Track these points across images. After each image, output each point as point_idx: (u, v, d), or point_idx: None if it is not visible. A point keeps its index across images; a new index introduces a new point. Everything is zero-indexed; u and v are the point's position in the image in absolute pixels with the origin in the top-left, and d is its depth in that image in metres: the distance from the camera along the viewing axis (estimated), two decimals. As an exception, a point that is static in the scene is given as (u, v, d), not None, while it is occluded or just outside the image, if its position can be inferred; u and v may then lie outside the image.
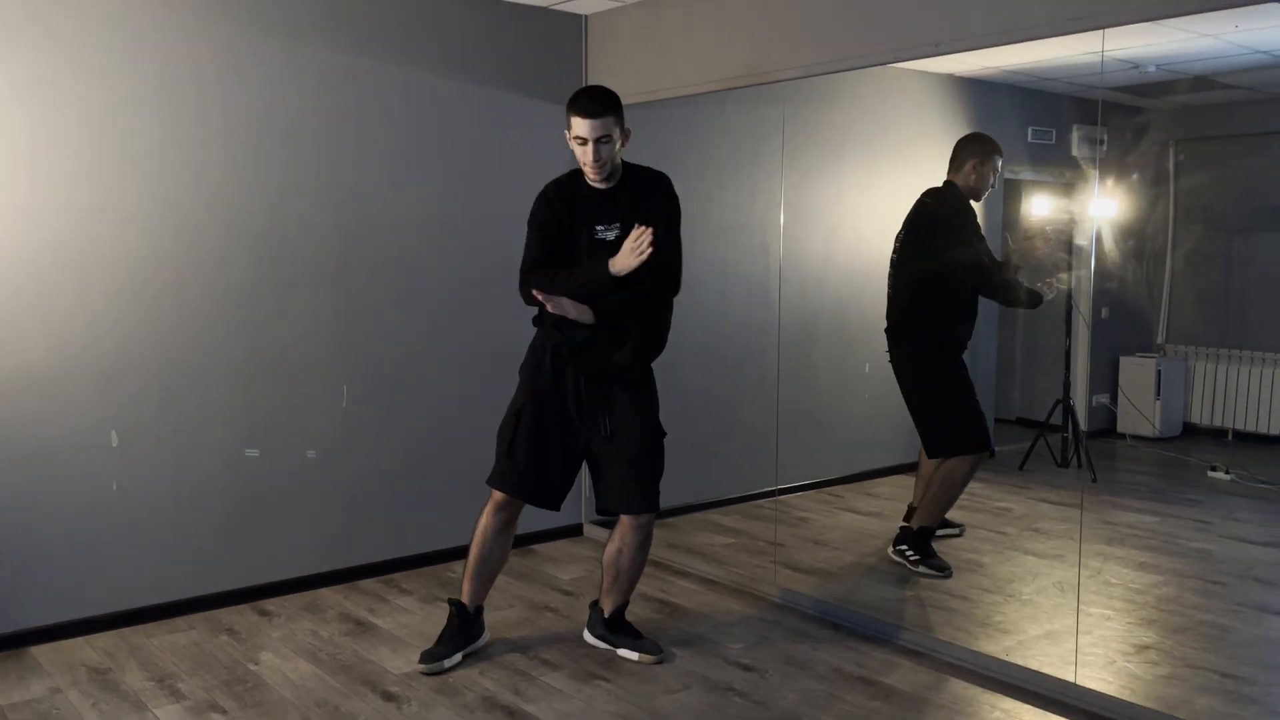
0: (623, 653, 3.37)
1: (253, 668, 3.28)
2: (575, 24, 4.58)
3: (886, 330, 4.28)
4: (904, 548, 4.20)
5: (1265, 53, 5.03)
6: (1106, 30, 2.96)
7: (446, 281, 4.29)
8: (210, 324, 3.74)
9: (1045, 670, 3.16)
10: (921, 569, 4.11)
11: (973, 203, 4.13)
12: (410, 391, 4.22)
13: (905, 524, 4.27)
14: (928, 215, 4.10)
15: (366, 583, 4.09)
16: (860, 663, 3.32)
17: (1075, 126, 5.79)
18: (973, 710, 2.99)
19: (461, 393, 4.34)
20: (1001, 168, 4.18)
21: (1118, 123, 6.01)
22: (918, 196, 4.26)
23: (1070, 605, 3.81)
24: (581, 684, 3.16)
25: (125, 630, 3.58)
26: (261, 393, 3.86)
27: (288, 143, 3.86)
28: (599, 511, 3.44)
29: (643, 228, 2.94)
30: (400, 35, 4.10)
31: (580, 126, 3.00)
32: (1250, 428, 5.94)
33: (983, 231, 4.28)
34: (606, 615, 3.43)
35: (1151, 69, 5.41)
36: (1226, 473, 5.63)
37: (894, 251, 4.20)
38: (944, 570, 4.12)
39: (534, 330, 3.29)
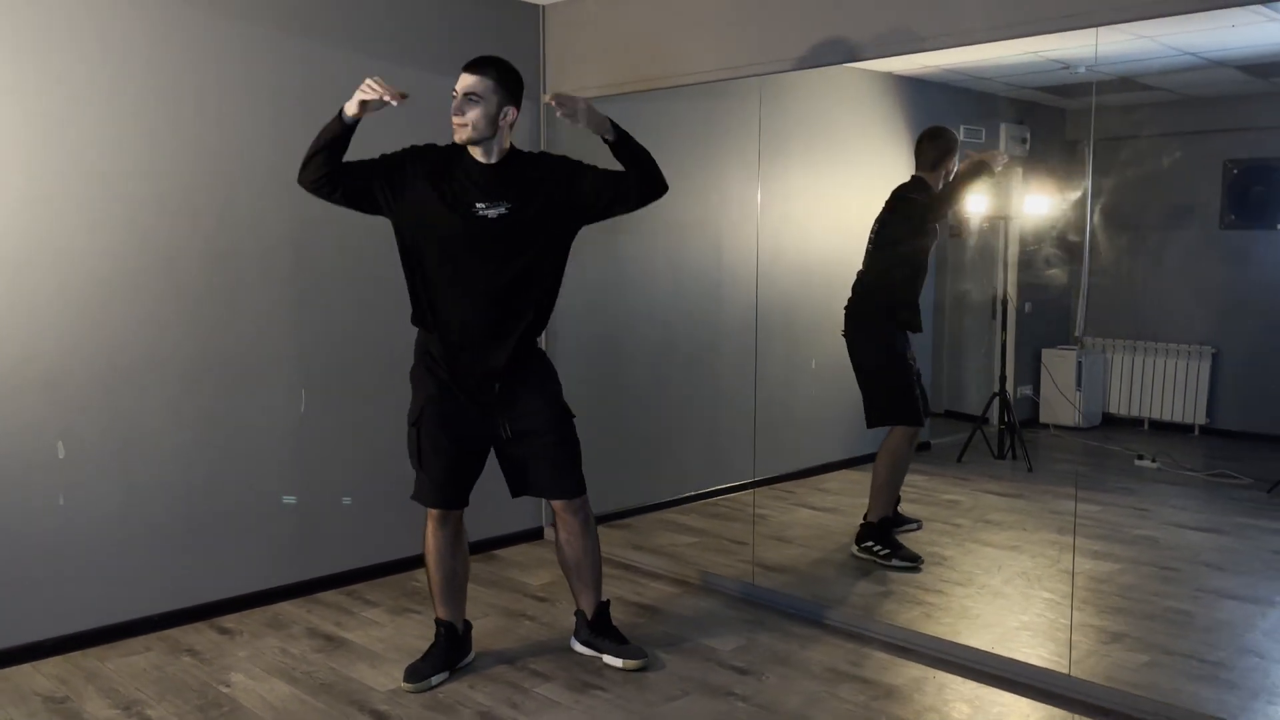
0: (607, 660, 3.29)
1: (225, 690, 3.09)
2: (532, 14, 4.46)
3: (848, 308, 4.36)
4: (870, 543, 4.22)
5: (1193, 54, 5.21)
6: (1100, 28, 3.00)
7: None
8: (160, 326, 3.51)
9: (1035, 662, 3.20)
10: (894, 562, 4.13)
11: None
12: (369, 394, 4.04)
13: (861, 524, 4.30)
14: (909, 205, 4.21)
15: (327, 595, 3.91)
16: (852, 661, 3.31)
17: (1003, 126, 5.93)
18: (973, 705, 3.00)
19: (421, 394, 4.19)
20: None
21: (1042, 122, 6.19)
22: (890, 189, 4.34)
23: (1040, 596, 3.88)
24: (578, 694, 3.07)
25: (76, 655, 3.34)
26: (214, 399, 3.65)
27: (238, 134, 3.66)
28: (514, 494, 3.24)
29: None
30: (353, 24, 3.92)
31: (459, 79, 2.90)
32: (1165, 417, 6.18)
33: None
34: (590, 618, 3.34)
35: (1081, 70, 5.56)
36: (1153, 461, 5.84)
37: (871, 239, 4.29)
38: (915, 560, 4.15)
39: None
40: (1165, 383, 6.27)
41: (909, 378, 4.29)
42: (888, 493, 4.26)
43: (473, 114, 2.89)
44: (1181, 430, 6.12)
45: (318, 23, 3.81)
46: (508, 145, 3.00)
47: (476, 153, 2.97)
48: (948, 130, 4.33)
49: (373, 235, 4.00)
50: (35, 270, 3.25)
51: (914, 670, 3.25)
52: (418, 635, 3.48)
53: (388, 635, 3.52)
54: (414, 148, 3.03)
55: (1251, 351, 6.01)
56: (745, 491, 5.13)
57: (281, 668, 3.25)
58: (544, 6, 4.45)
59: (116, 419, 3.43)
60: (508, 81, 2.92)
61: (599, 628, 3.33)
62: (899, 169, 5.40)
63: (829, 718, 2.91)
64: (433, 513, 3.15)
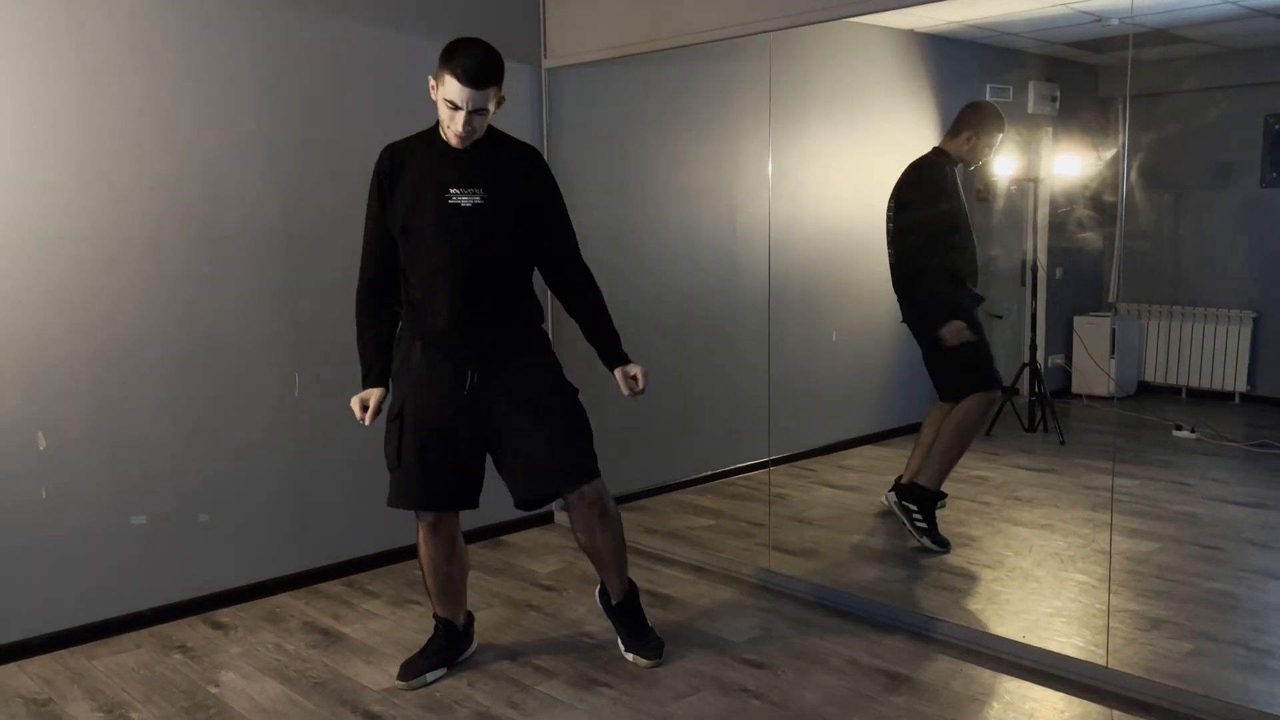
0: (624, 650, 3.12)
1: (214, 690, 2.95)
2: (531, -26, 4.26)
3: (896, 294, 4.15)
4: (912, 507, 4.00)
5: (1233, 3, 4.94)
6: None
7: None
8: (146, 311, 3.36)
9: (1070, 653, 3.00)
10: (925, 541, 3.94)
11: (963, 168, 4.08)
12: (367, 376, 3.88)
13: (910, 481, 4.07)
14: (908, 182, 4.05)
15: (327, 585, 3.77)
16: (874, 653, 3.13)
17: (1031, 84, 5.68)
18: (1004, 701, 2.81)
19: (422, 376, 4.03)
20: (999, 142, 4.08)
21: (1072, 80, 5.93)
22: (914, 152, 4.13)
23: (1074, 579, 3.68)
24: (583, 692, 2.91)
25: (64, 653, 3.21)
26: (204, 384, 3.50)
27: (222, 103, 3.48)
28: (519, 505, 2.96)
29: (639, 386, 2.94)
30: (344, -14, 3.73)
31: (455, 91, 2.64)
32: (1204, 385, 5.93)
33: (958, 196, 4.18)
34: (614, 603, 3.13)
35: (1114, 22, 5.31)
36: (1192, 431, 5.60)
37: (888, 220, 4.11)
38: (944, 546, 3.95)
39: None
40: (1204, 349, 6.03)
41: (980, 343, 4.06)
42: (946, 460, 4.02)
43: (479, 125, 2.71)
44: (1221, 398, 5.87)
45: (303, -13, 3.63)
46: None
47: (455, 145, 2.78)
48: (987, 107, 4.15)
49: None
50: (10, 253, 3.09)
51: (940, 662, 3.06)
52: (417, 629, 3.33)
53: (386, 629, 3.37)
54: (383, 154, 2.85)
55: (1297, 315, 5.78)
56: (764, 470, 4.95)
57: (274, 665, 3.11)
58: (543, -34, 4.24)
59: (102, 407, 3.29)
60: (502, 77, 2.71)
61: (620, 613, 3.12)
62: (923, 131, 5.16)
63: (849, 716, 2.74)
64: (423, 520, 2.92)
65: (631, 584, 3.14)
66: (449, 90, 2.65)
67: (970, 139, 3.98)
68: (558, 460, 2.86)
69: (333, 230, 3.75)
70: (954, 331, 3.94)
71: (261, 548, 3.66)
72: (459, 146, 2.74)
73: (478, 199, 2.76)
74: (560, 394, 2.92)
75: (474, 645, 3.18)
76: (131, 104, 3.29)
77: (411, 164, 2.80)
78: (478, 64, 2.63)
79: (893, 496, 4.09)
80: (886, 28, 5.13)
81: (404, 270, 2.86)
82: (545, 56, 4.30)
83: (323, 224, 3.73)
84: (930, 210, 4.01)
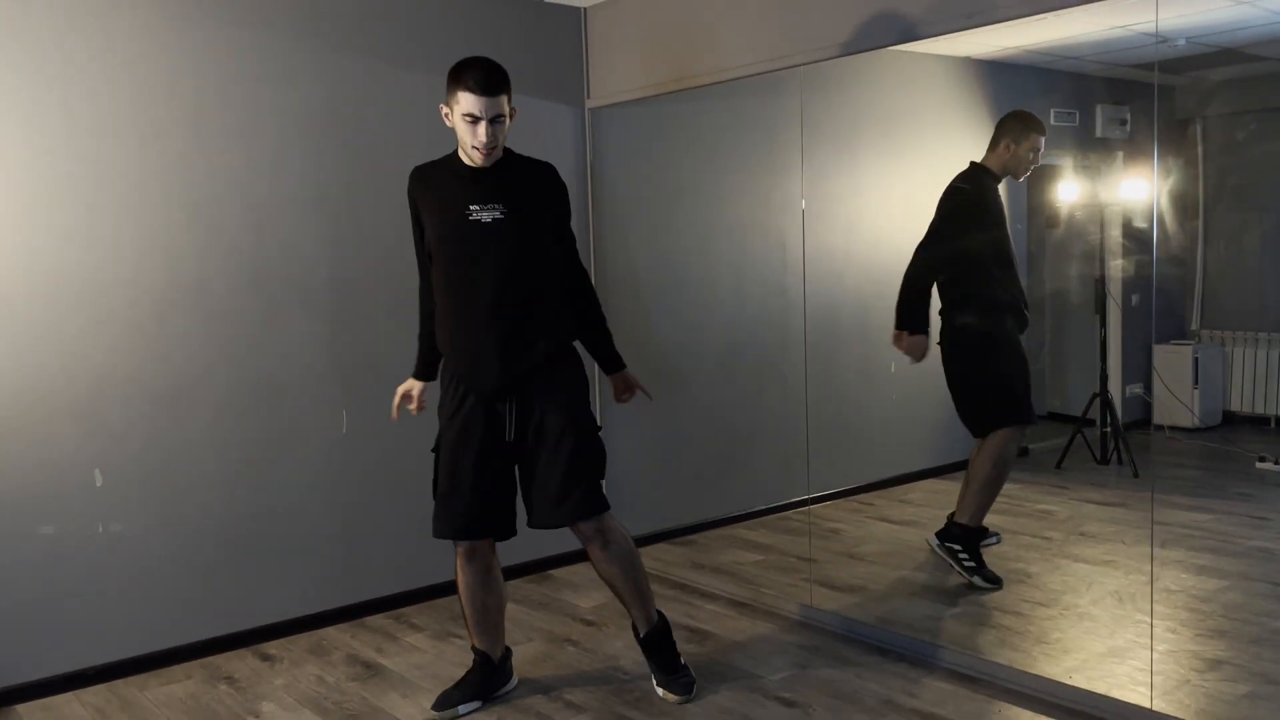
0: (655, 686, 3.11)
1: (253, 721, 3.03)
2: (574, 18, 4.33)
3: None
4: (957, 547, 3.91)
5: (1305, 18, 4.76)
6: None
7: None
8: (194, 351, 3.50)
9: (1115, 694, 2.89)
10: (975, 580, 3.83)
11: (1007, 182, 4.01)
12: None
13: (949, 521, 3.99)
14: (946, 199, 3.98)
15: (374, 619, 3.84)
16: (911, 692, 3.05)
17: (1099, 107, 5.55)
18: (1040, 743, 2.72)
19: (469, 412, 4.09)
20: (1042, 146, 3.99)
21: (1142, 102, 5.77)
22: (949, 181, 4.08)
23: (1132, 618, 3.54)
24: (609, 728, 2.91)
25: (118, 683, 3.33)
26: (254, 422, 3.61)
27: (271, 149, 3.62)
28: (531, 525, 2.99)
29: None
30: (391, 31, 3.85)
31: (471, 103, 2.71)
32: (1293, 414, 5.66)
33: (1006, 217, 4.12)
34: (641, 635, 3.13)
35: (1181, 42, 5.16)
36: (1276, 463, 5.35)
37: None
38: (996, 583, 3.84)
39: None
40: (1292, 376, 5.76)
41: (1005, 372, 3.98)
42: (985, 495, 3.92)
43: (500, 133, 2.79)
44: (1313, 428, 5.60)
45: (354, 36, 3.76)
46: (501, 144, 2.87)
47: (480, 161, 2.85)
48: (1019, 114, 4.08)
49: (410, 250, 3.94)
50: (66, 299, 3.26)
51: (978, 703, 2.97)
52: (456, 662, 3.37)
53: (426, 662, 3.42)
54: (411, 176, 2.99)
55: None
56: (820, 504, 4.88)
57: (314, 697, 3.18)
58: (585, 9, 4.31)
59: (154, 445, 3.43)
60: (509, 85, 2.79)
61: (649, 646, 3.12)
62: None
63: (875, 757, 2.68)
64: (459, 547, 2.99)
65: (661, 617, 3.13)
66: (464, 105, 2.73)
67: (1009, 146, 3.90)
68: (568, 500, 2.90)
69: (378, 272, 3.86)
70: (911, 346, 4.03)
71: (310, 582, 3.75)
72: (483, 162, 2.81)
73: (498, 214, 2.82)
74: (579, 430, 2.92)
75: (514, 681, 3.20)
76: (180, 154, 3.44)
77: (436, 185, 2.90)
78: (485, 73, 2.73)
79: (934, 540, 3.99)
80: (940, 55, 5.07)
81: (436, 298, 2.95)
82: (589, 97, 4.37)
83: (368, 266, 3.84)
84: (968, 235, 3.94)
